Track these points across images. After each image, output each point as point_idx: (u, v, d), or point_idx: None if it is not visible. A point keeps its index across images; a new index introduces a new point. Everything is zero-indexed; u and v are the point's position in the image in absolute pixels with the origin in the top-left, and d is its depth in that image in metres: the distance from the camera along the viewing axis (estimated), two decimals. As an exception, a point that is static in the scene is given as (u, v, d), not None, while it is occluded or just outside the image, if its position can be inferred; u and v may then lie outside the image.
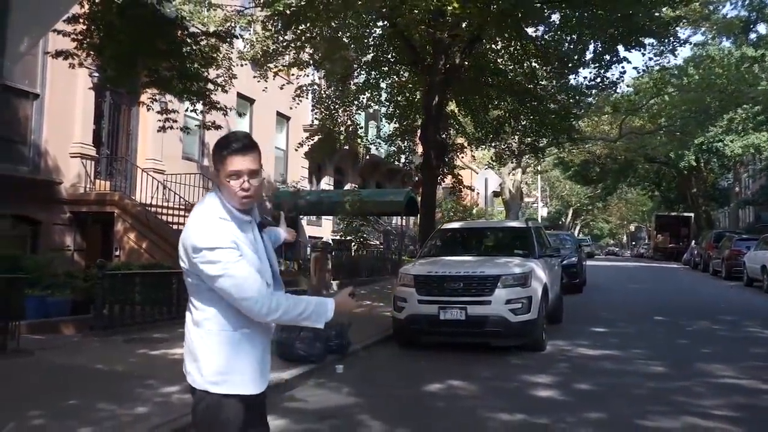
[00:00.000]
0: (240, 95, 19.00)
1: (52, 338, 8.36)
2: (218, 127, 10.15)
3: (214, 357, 2.44)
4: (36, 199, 12.59)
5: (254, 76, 13.74)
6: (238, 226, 2.44)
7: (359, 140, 17.91)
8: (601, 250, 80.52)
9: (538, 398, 6.21)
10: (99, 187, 13.92)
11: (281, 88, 14.39)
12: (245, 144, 2.45)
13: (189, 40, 8.34)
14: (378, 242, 25.49)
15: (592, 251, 53.61)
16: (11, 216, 11.88)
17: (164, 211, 14.29)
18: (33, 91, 12.73)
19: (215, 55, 9.66)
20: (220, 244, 2.35)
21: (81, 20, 7.47)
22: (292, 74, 17.16)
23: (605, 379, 7.02)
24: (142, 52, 7.51)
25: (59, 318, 9.13)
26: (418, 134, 15.07)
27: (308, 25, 12.15)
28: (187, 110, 9.13)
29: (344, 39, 14.08)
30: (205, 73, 9.57)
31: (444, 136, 17.54)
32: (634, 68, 38.57)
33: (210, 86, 9.39)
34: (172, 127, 9.30)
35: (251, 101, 19.88)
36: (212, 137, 18.21)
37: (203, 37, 8.87)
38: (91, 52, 7.92)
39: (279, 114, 21.62)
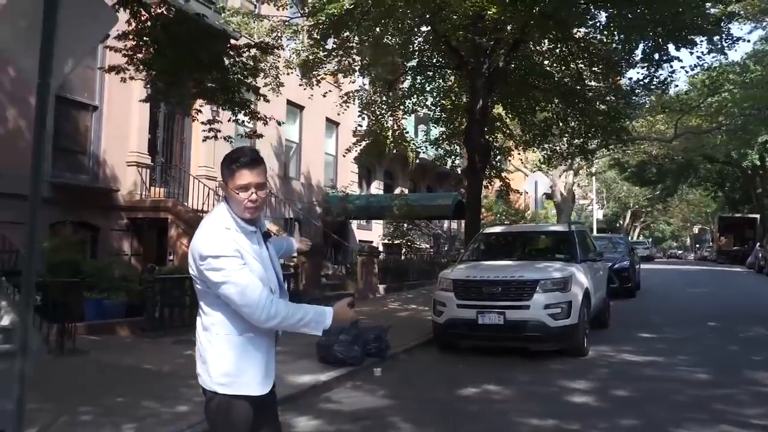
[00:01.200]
0: (289, 102, 19.40)
1: (106, 339, 8.76)
2: (260, 136, 10.42)
3: (222, 360, 2.59)
4: (95, 206, 13.17)
5: (299, 84, 14.00)
6: (243, 236, 2.59)
7: (406, 144, 17.99)
8: (664, 254, 78.22)
9: (573, 404, 6.18)
10: (154, 194, 14.44)
11: (324, 96, 14.56)
12: (253, 158, 2.61)
13: (231, 52, 8.61)
14: (428, 246, 25.52)
15: (652, 254, 52.22)
16: (72, 222, 12.45)
17: (216, 216, 14.70)
18: (92, 103, 13.33)
19: (257, 65, 9.91)
20: (224, 252, 2.49)
21: (130, 36, 7.85)
22: (342, 81, 17.43)
23: (645, 385, 6.92)
24: (186, 66, 7.82)
25: (114, 320, 9.55)
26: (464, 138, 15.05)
27: (352, 33, 12.33)
28: (236, 120, 9.35)
29: (389, 44, 14.20)
30: (250, 83, 9.83)
31: (490, 138, 17.58)
32: (682, 68, 37.24)
33: (251, 96, 9.64)
34: (216, 137, 9.59)
35: (300, 108, 20.24)
36: (261, 146, 18.69)
37: (245, 49, 9.13)
38: (141, 67, 8.28)
39: (328, 120, 21.91)
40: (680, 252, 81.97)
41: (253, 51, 9.35)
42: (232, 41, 10.71)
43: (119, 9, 7.31)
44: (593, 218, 47.39)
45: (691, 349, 9.06)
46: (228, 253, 2.51)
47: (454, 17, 10.06)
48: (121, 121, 13.68)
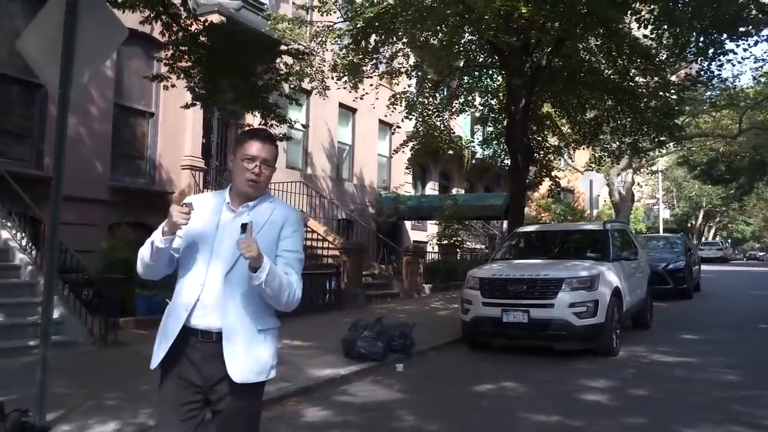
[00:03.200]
0: (342, 105, 19.80)
1: (152, 333, 9.22)
2: (289, 139, 10.73)
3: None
4: (151, 207, 13.81)
5: (344, 87, 14.30)
6: (207, 203, 2.70)
7: (453, 144, 18.06)
8: (744, 255, 74.69)
9: (585, 402, 6.18)
10: (207, 196, 15.05)
11: (361, 98, 14.82)
12: (267, 135, 2.73)
13: (265, 58, 8.96)
14: (483, 246, 25.43)
15: (726, 256, 50.05)
16: (129, 223, 13.14)
17: (266, 217, 15.19)
18: (148, 110, 14.05)
19: (290, 70, 10.25)
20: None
21: (169, 46, 8.32)
22: (395, 82, 17.67)
23: (668, 385, 6.81)
24: (221, 73, 8.22)
25: (161, 315, 10.08)
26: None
27: (391, 36, 12.54)
28: (264, 123, 9.67)
29: (434, 45, 14.31)
30: (291, 85, 10.13)
31: (540, 138, 17.43)
32: (738, 61, 35.16)
33: (285, 101, 9.97)
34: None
35: (353, 110, 20.59)
36: (313, 148, 19.11)
37: (279, 55, 9.48)
38: (182, 75, 8.74)
39: (381, 122, 22.14)
40: (761, 254, 77.95)
41: (286, 57, 9.65)
42: (280, 47, 11.19)
43: (152, 22, 7.79)
44: (659, 219, 45.83)
45: (731, 352, 8.80)
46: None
47: (486, 17, 10.10)
48: (175, 127, 14.34)
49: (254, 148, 2.64)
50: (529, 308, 8.10)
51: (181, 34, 7.91)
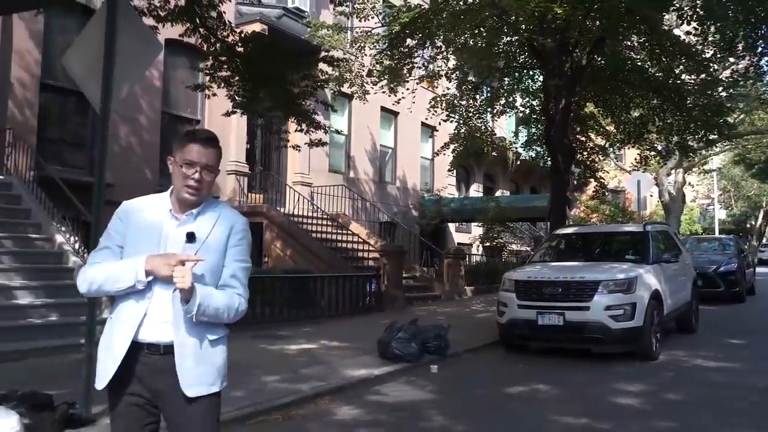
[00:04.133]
0: (384, 109, 19.98)
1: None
2: (324, 144, 10.92)
3: None
4: (198, 212, 14.31)
5: (381, 91, 14.47)
6: (149, 210, 2.52)
7: (496, 145, 18.02)
8: None
9: (616, 404, 6.16)
10: (252, 200, 15.44)
11: (398, 102, 14.94)
12: (208, 137, 2.50)
13: (302, 66, 9.20)
14: (528, 248, 25.23)
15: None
16: (177, 227, 13.61)
17: (310, 221, 15.50)
18: (194, 117, 14.53)
19: (327, 77, 10.48)
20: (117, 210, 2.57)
21: (209, 57, 8.65)
22: (435, 85, 17.76)
23: (704, 390, 6.72)
24: (258, 82, 8.50)
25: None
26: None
27: (428, 41, 12.64)
28: (300, 129, 9.90)
29: (473, 47, 14.33)
30: (331, 90, 10.27)
31: (584, 138, 17.25)
32: None
33: (321, 107, 10.20)
34: (285, 146, 10.23)
35: (395, 114, 20.73)
36: (355, 152, 19.35)
37: (317, 64, 9.71)
38: (222, 84, 9.06)
39: (424, 124, 22.27)
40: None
41: (323, 64, 9.89)
42: (319, 54, 11.42)
43: (190, 35, 8.11)
44: (715, 219, 44.49)
45: (777, 357, 8.60)
46: (118, 210, 2.54)
47: (520, 19, 10.10)
48: (220, 133, 14.55)
49: (194, 152, 2.44)
50: (565, 311, 8.07)
51: (218, 45, 8.19)
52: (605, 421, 5.53)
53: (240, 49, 8.29)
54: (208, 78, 9.15)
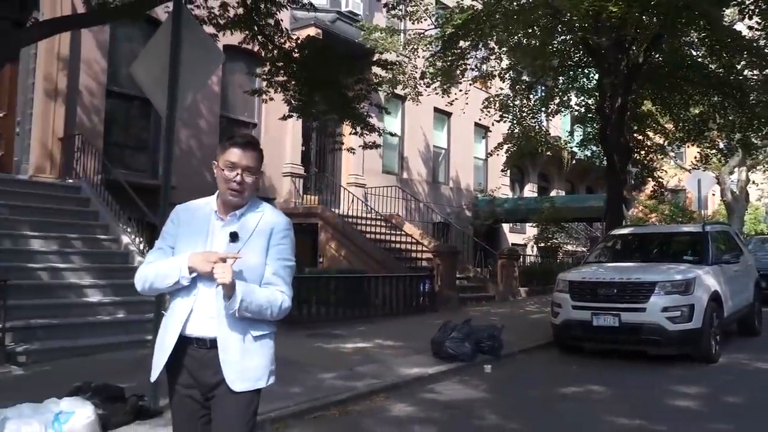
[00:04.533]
0: (437, 110, 20.03)
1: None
2: (378, 146, 11.05)
3: None
4: (256, 213, 14.69)
5: (434, 93, 14.54)
6: (197, 212, 2.68)
7: (551, 145, 17.85)
8: None
9: (672, 407, 6.09)
10: (307, 202, 15.74)
11: (451, 104, 14.98)
12: (247, 141, 2.64)
13: (355, 70, 9.38)
14: (585, 248, 24.85)
15: None
16: (235, 228, 13.99)
17: (364, 221, 15.70)
18: (251, 121, 14.93)
19: (381, 81, 10.64)
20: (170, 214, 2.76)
21: (266, 63, 8.92)
22: (489, 85, 17.73)
23: (765, 394, 6.58)
24: (313, 86, 8.73)
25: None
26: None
27: (481, 41, 12.66)
28: (354, 132, 10.07)
29: (527, 46, 14.26)
30: (384, 92, 10.31)
31: (640, 137, 16.91)
32: None
33: (374, 110, 10.37)
34: (339, 149, 10.42)
35: (448, 114, 20.74)
36: (408, 153, 19.46)
37: (371, 67, 9.87)
38: (278, 89, 9.32)
39: (477, 124, 22.22)
40: None
41: (375, 68, 10.05)
42: (372, 58, 11.59)
43: (249, 42, 8.39)
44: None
45: None
46: (170, 215, 2.74)
47: (574, 18, 10.02)
48: (276, 136, 15.11)
49: (234, 155, 2.56)
50: (620, 312, 8.00)
51: (275, 51, 8.45)
52: (660, 422, 5.49)
53: (296, 55, 8.52)
54: (265, 83, 9.44)
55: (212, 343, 2.53)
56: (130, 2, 7.93)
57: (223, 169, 2.57)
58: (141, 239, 9.87)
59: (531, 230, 24.66)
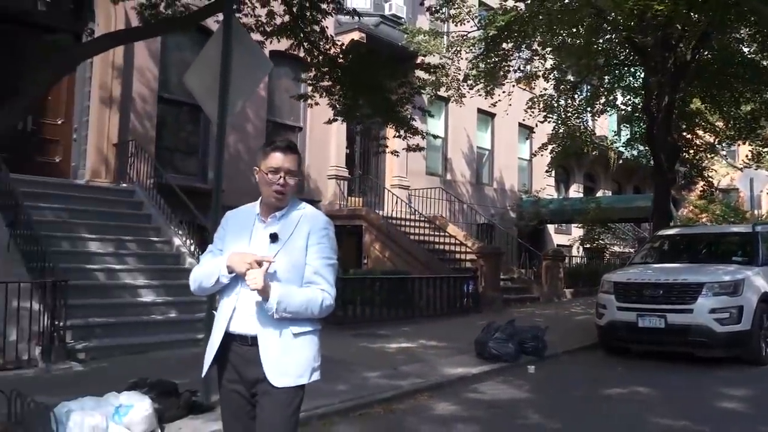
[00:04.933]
0: (480, 111, 20.01)
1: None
2: (421, 149, 11.12)
3: None
4: (301, 215, 14.95)
5: (477, 94, 14.56)
6: (242, 217, 2.81)
7: (596, 144, 17.66)
8: None
9: (717, 409, 6.03)
10: (351, 204, 15.94)
11: (494, 105, 14.97)
12: (288, 145, 2.73)
13: (398, 74, 9.52)
14: (632, 250, 24.43)
15: None
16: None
17: (407, 223, 15.82)
18: (297, 125, 15.20)
19: (424, 84, 10.75)
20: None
21: (311, 68, 9.14)
22: (534, 86, 17.64)
23: (818, 397, 6.46)
24: (358, 91, 8.91)
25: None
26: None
27: (525, 42, 12.65)
28: (398, 135, 10.19)
29: (572, 46, 14.16)
30: (428, 94, 10.38)
31: (689, 136, 16.60)
32: None
33: (417, 113, 10.50)
34: (383, 152, 10.55)
35: (492, 115, 20.70)
36: (452, 154, 19.50)
37: (413, 71, 10.00)
38: (324, 93, 9.53)
39: (521, 125, 22.09)
40: None
41: (418, 71, 10.18)
42: (415, 61, 11.70)
43: (296, 49, 8.62)
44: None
45: None
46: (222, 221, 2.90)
47: (618, 18, 9.95)
48: (321, 139, 15.35)
49: (277, 159, 2.65)
50: (666, 313, 7.93)
51: (320, 57, 8.65)
52: (705, 423, 5.47)
53: (340, 60, 8.71)
54: (310, 88, 9.65)
55: (253, 340, 2.60)
56: (183, 14, 8.25)
57: (266, 174, 2.66)
58: (191, 241, 10.18)
59: (577, 231, 24.39)
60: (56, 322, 7.05)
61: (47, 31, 11.01)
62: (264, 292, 2.51)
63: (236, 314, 2.64)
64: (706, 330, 7.76)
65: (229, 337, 2.65)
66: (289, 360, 2.60)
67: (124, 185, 11.31)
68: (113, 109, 11.52)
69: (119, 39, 7.11)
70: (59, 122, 11.33)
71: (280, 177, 2.64)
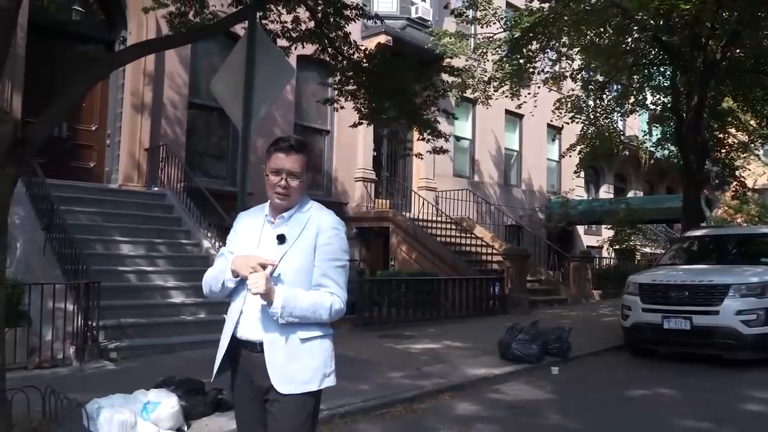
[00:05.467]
0: (508, 112, 19.97)
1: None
2: (445, 152, 11.16)
3: None
4: (329, 217, 15.11)
5: (505, 96, 14.56)
6: (252, 218, 2.77)
7: (625, 144, 17.50)
8: None
9: (742, 410, 5.99)
10: (378, 206, 16.05)
11: (519, 107, 14.94)
12: (291, 145, 2.62)
13: (422, 78, 9.61)
14: (664, 251, 24.10)
15: None
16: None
17: (434, 225, 15.89)
18: (324, 128, 15.38)
19: (449, 87, 10.82)
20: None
21: (336, 73, 9.28)
22: (562, 86, 17.56)
23: None
24: (383, 96, 9.03)
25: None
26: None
27: (551, 43, 12.62)
28: (422, 138, 10.28)
29: (600, 46, 14.07)
30: (454, 96, 10.45)
31: (720, 135, 16.36)
32: None
33: (442, 116, 10.56)
34: (408, 155, 10.63)
35: (519, 116, 20.65)
36: (480, 156, 19.50)
37: (438, 74, 10.09)
38: (349, 97, 9.67)
39: (550, 126, 21.99)
40: None
41: (443, 74, 10.27)
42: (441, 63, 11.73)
43: (320, 54, 8.77)
44: None
45: None
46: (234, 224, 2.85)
47: (644, 17, 9.89)
48: (348, 142, 15.50)
49: (278, 160, 2.58)
50: (692, 315, 7.88)
51: (345, 62, 8.79)
52: (729, 425, 5.45)
53: (365, 64, 8.84)
54: (336, 92, 9.80)
55: (261, 347, 2.53)
56: (211, 21, 8.46)
57: (268, 175, 2.60)
58: (221, 244, 10.38)
59: (607, 232, 24.16)
60: (89, 323, 7.29)
61: (82, 40, 11.37)
62: (267, 297, 2.45)
63: (243, 318, 2.58)
64: (732, 332, 7.69)
65: (238, 343, 2.60)
66: (296, 367, 2.51)
67: (156, 189, 11.59)
68: (145, 114, 11.82)
69: (150, 48, 7.34)
70: (93, 128, 11.67)
71: (282, 179, 2.57)
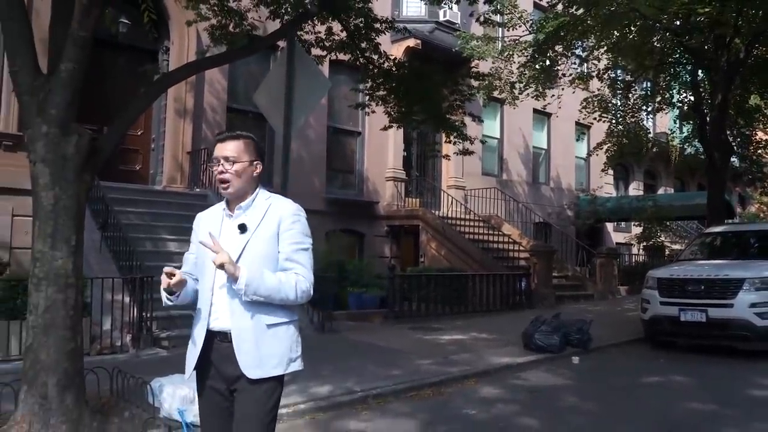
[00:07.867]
0: (536, 111, 20.30)
1: (360, 324, 10.73)
2: (472, 153, 11.60)
3: None
4: (360, 216, 15.69)
5: (531, 97, 14.94)
6: (210, 215, 2.84)
7: (653, 142, 17.71)
8: None
9: (749, 396, 6.39)
10: (408, 204, 16.57)
11: (543, 108, 15.29)
12: (227, 134, 2.76)
13: (449, 82, 10.10)
14: (694, 247, 24.17)
15: None
16: (342, 230, 15.07)
17: (463, 223, 16.34)
18: (356, 130, 15.96)
19: (475, 91, 11.30)
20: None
21: (367, 80, 9.84)
22: (588, 85, 17.83)
23: None
24: (412, 101, 9.57)
25: (369, 310, 11.57)
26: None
27: (575, 44, 12.98)
28: (448, 141, 10.77)
29: (626, 47, 14.36)
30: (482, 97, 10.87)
31: (747, 132, 16.50)
32: None
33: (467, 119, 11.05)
34: (436, 156, 11.10)
35: (547, 115, 20.93)
36: (508, 155, 19.88)
37: (464, 78, 10.56)
38: (379, 102, 10.21)
39: (578, 124, 22.22)
40: None
41: (469, 79, 10.75)
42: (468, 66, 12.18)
43: (356, 61, 9.36)
44: None
45: None
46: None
47: (664, 21, 10.22)
48: (379, 142, 16.03)
49: (217, 150, 2.70)
50: (707, 308, 8.25)
51: (375, 70, 9.34)
52: (733, 408, 5.85)
53: (395, 71, 9.38)
54: (367, 97, 10.36)
55: (230, 336, 2.59)
56: (249, 32, 9.06)
57: (213, 170, 2.71)
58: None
59: (636, 229, 24.31)
60: (143, 314, 7.98)
61: (129, 50, 12.11)
62: (233, 273, 2.50)
63: (213, 310, 2.64)
64: (746, 324, 8.05)
65: (210, 335, 2.64)
66: (264, 352, 2.57)
67: (198, 190, 12.26)
68: (186, 119, 12.52)
69: (197, 67, 8.00)
70: (139, 133, 12.41)
71: (218, 165, 2.68)
